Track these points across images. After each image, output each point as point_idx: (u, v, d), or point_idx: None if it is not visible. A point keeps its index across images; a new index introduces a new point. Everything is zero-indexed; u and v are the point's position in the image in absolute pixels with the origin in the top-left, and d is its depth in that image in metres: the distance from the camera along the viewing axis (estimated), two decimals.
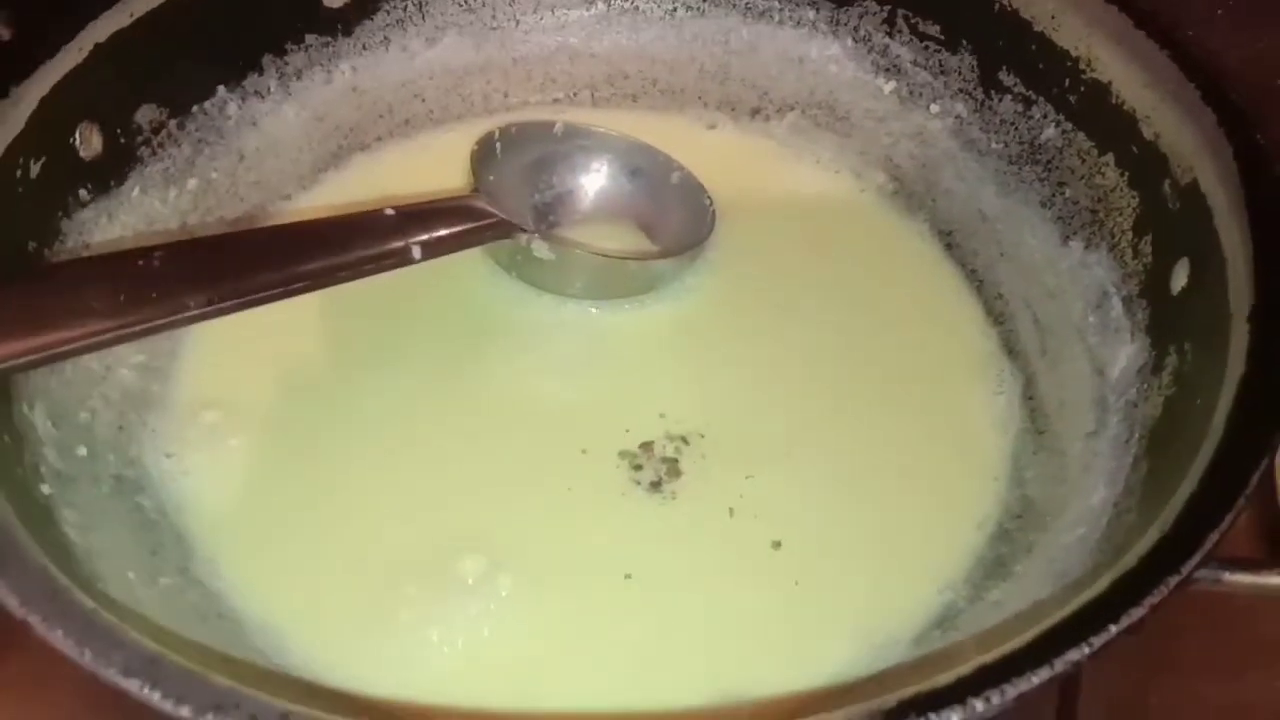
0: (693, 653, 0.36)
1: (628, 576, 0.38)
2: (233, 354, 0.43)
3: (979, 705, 0.23)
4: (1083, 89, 0.45)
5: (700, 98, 0.54)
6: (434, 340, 0.45)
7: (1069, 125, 0.46)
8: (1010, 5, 0.47)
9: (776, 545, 0.39)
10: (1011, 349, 0.46)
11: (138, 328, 0.35)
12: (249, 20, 0.48)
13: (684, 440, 0.42)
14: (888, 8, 0.51)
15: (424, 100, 0.53)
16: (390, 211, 0.42)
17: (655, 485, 0.40)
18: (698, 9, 0.54)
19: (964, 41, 0.49)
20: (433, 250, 0.42)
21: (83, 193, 0.43)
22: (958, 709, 0.23)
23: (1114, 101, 0.43)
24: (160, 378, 0.43)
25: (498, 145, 0.48)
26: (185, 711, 0.23)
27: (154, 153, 0.46)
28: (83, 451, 0.39)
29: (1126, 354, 0.41)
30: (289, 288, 0.38)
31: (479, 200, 0.45)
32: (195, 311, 0.35)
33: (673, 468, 0.41)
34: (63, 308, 0.33)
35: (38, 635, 0.25)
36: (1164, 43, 0.42)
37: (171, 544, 0.38)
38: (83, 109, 0.42)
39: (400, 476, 0.40)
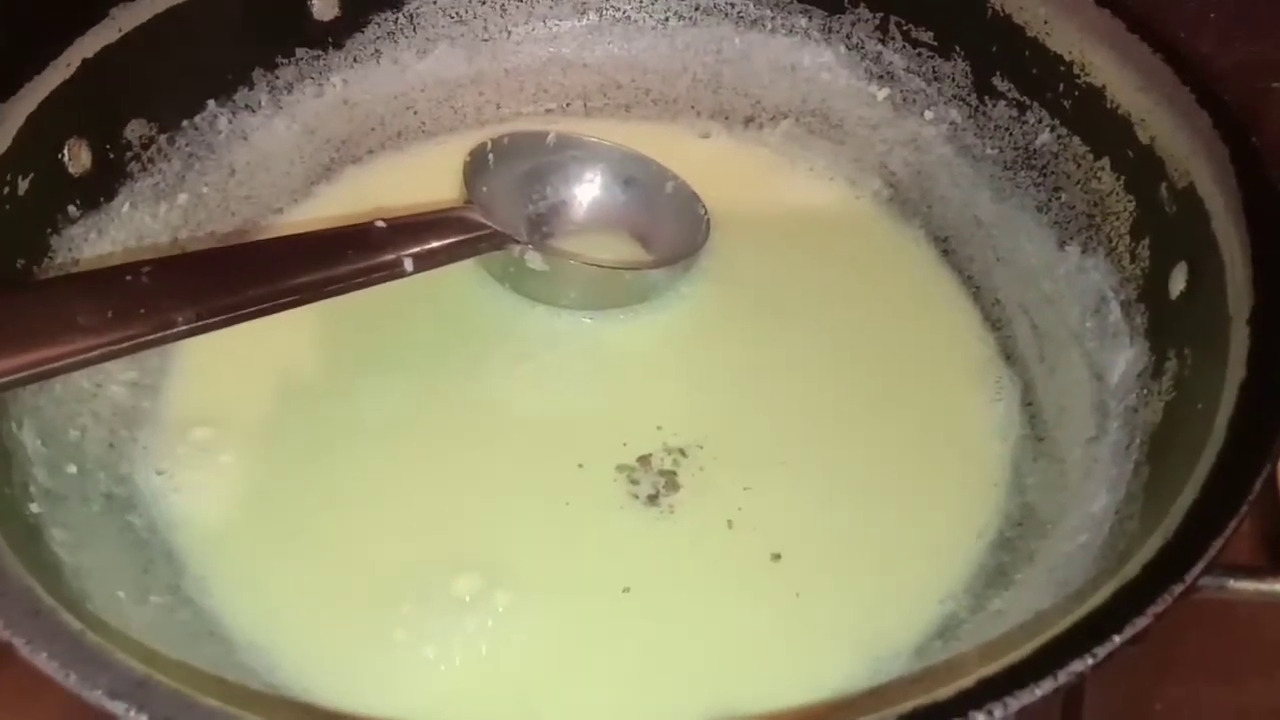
0: (692, 667, 0.36)
1: (626, 590, 0.37)
2: (224, 370, 0.43)
3: (980, 718, 0.23)
4: (1077, 94, 0.45)
5: (693, 107, 0.54)
6: (427, 354, 0.44)
7: (1064, 130, 0.46)
8: (1003, 10, 0.47)
9: (776, 557, 0.38)
10: (1009, 355, 0.45)
11: (126, 344, 0.34)
12: (238, 34, 0.48)
13: (681, 453, 0.41)
14: (880, 15, 0.51)
15: (416, 112, 0.53)
16: (381, 224, 0.41)
17: (653, 499, 0.40)
18: (689, 18, 0.54)
19: (957, 48, 0.49)
20: (425, 262, 0.42)
21: (72, 209, 0.42)
22: None
23: (1109, 106, 0.43)
24: (151, 394, 0.42)
25: (490, 156, 0.47)
26: None
27: (144, 168, 0.46)
28: (72, 469, 0.38)
29: (1126, 359, 0.41)
30: (279, 302, 0.37)
31: (472, 211, 0.45)
32: (185, 327, 0.35)
33: (670, 481, 0.40)
34: (50, 324, 0.33)
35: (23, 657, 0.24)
36: (1158, 46, 0.42)
37: (162, 562, 0.37)
38: (71, 125, 0.42)
39: (394, 492, 0.40)
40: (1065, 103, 0.45)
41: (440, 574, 0.37)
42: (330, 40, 0.51)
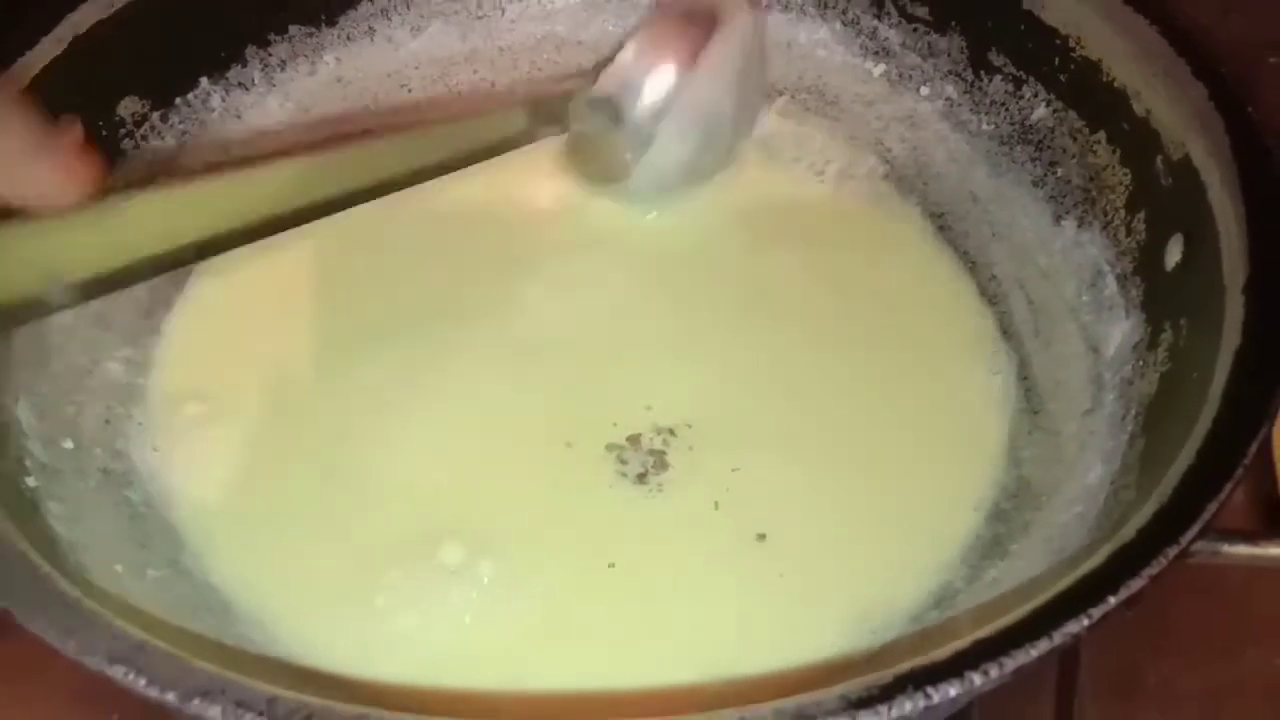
0: (678, 638, 0.36)
1: (611, 566, 0.37)
2: (216, 344, 0.43)
3: (976, 679, 0.23)
4: (1073, 67, 0.45)
5: None
6: (417, 329, 0.44)
7: (1060, 104, 0.46)
8: None
9: (761, 537, 0.38)
10: (1006, 330, 0.45)
11: None
12: (231, 11, 0.48)
13: (671, 432, 0.41)
14: None
15: (410, 90, 0.53)
16: None
17: (641, 477, 0.40)
18: None
19: (952, 22, 0.49)
20: None
21: None
22: (955, 682, 0.23)
23: (1104, 79, 0.43)
24: (145, 371, 0.42)
25: None
26: (171, 697, 0.23)
27: (137, 145, 0.45)
28: (69, 445, 0.38)
29: (1121, 331, 0.41)
30: None
31: None
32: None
33: (659, 460, 0.40)
34: None
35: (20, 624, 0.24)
36: (1154, 18, 0.41)
37: (160, 536, 0.38)
38: (63, 101, 0.41)
39: (384, 464, 0.40)
40: (1061, 76, 0.45)
41: (427, 544, 0.37)
42: (324, 17, 0.50)
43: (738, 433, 0.41)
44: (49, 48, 0.41)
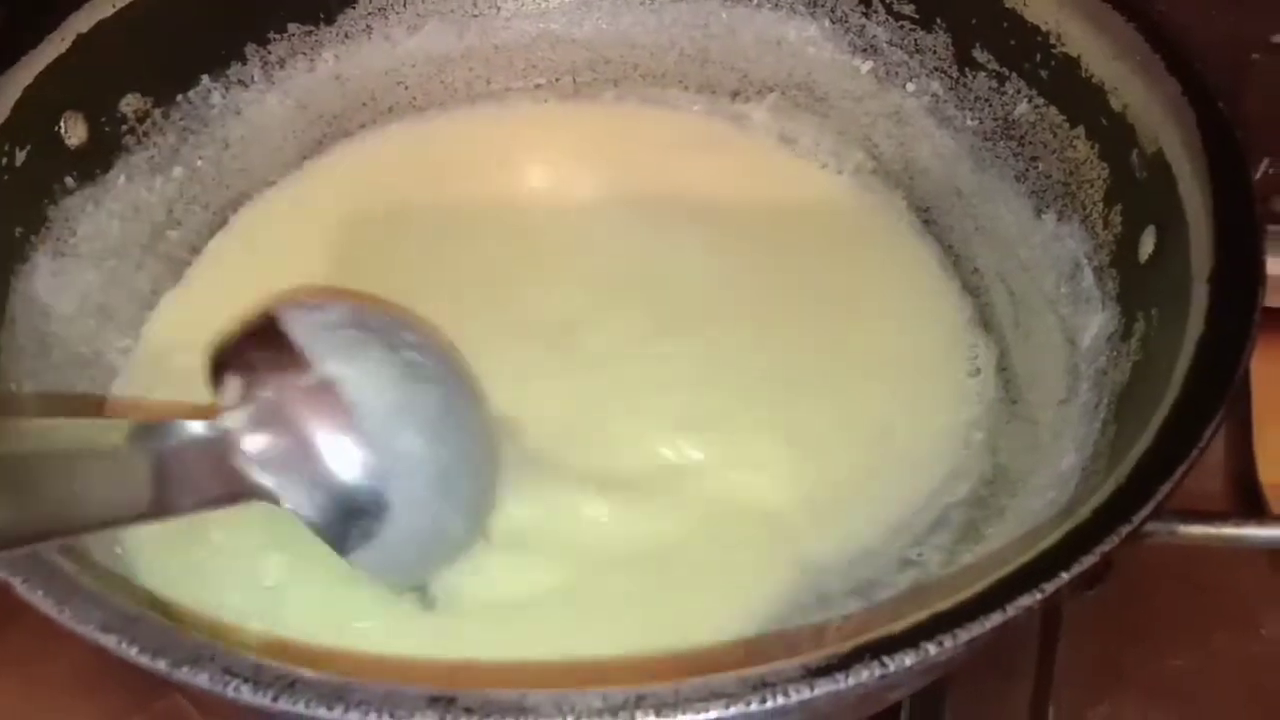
0: (643, 610, 0.36)
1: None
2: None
3: (931, 649, 0.24)
4: (1053, 64, 0.45)
5: (681, 81, 0.55)
6: None
7: (1041, 100, 0.46)
8: None
9: (741, 516, 0.39)
10: (986, 322, 0.46)
11: None
12: (232, 9, 0.49)
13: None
14: None
15: (407, 87, 0.54)
16: None
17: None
18: None
19: (938, 20, 0.50)
20: None
21: (69, 180, 0.43)
22: (910, 653, 0.24)
23: (1083, 75, 0.44)
24: None
25: None
26: (161, 665, 0.24)
27: (139, 141, 0.47)
28: None
29: (1097, 323, 0.41)
30: None
31: None
32: None
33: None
34: None
35: (21, 598, 0.25)
36: (1131, 15, 0.42)
37: None
38: (67, 98, 0.43)
39: None
40: (1042, 73, 0.46)
41: None
42: (322, 16, 0.52)
43: (719, 420, 0.42)
44: (53, 45, 0.42)
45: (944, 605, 0.25)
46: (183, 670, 0.24)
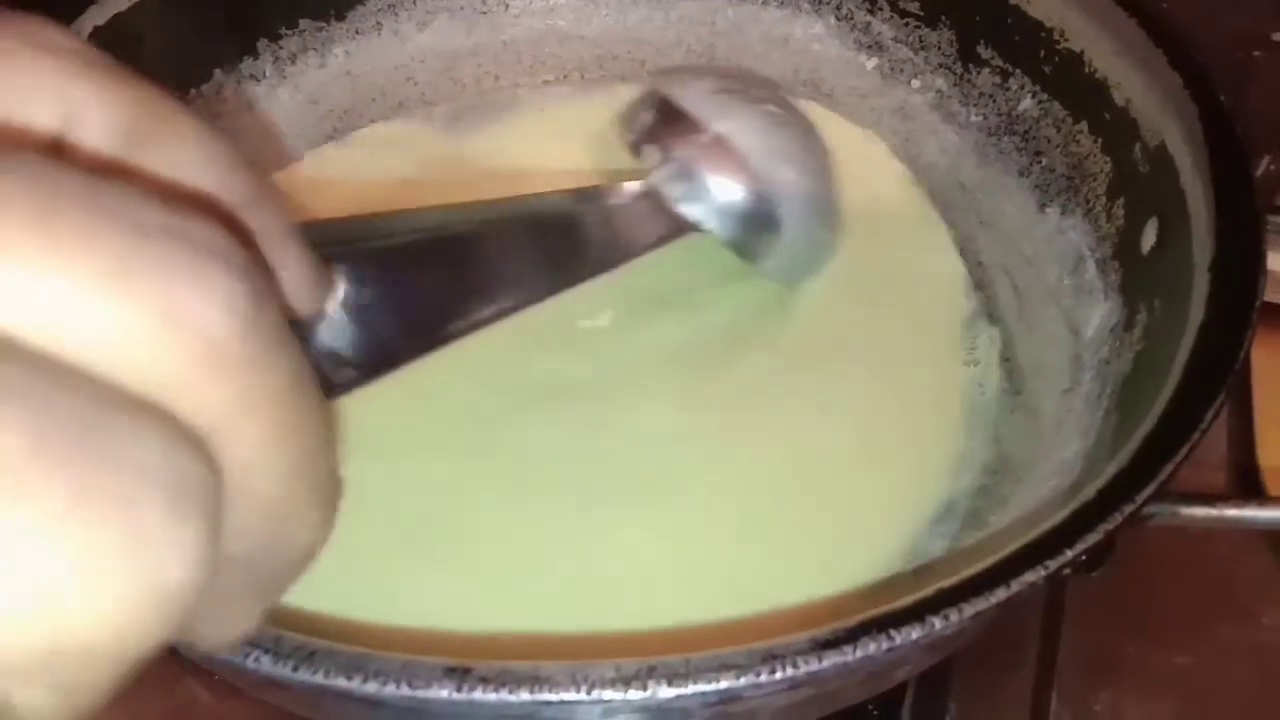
0: (662, 587, 0.36)
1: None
2: None
3: (937, 622, 0.24)
4: (1057, 59, 0.46)
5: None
6: None
7: (1045, 95, 0.47)
8: None
9: (748, 505, 0.39)
10: (990, 314, 0.47)
11: None
12: (244, 5, 0.50)
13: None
14: None
15: (416, 83, 0.54)
16: None
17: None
18: None
19: (943, 17, 0.50)
20: None
21: None
22: (917, 626, 0.24)
23: (1086, 70, 0.44)
24: None
25: None
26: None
27: None
28: None
29: (1100, 314, 0.42)
30: None
31: None
32: None
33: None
34: None
35: None
36: (1133, 11, 0.43)
37: None
38: None
39: None
40: (1046, 69, 0.47)
41: None
42: (333, 12, 0.52)
43: (723, 407, 0.42)
44: None
45: (950, 580, 0.25)
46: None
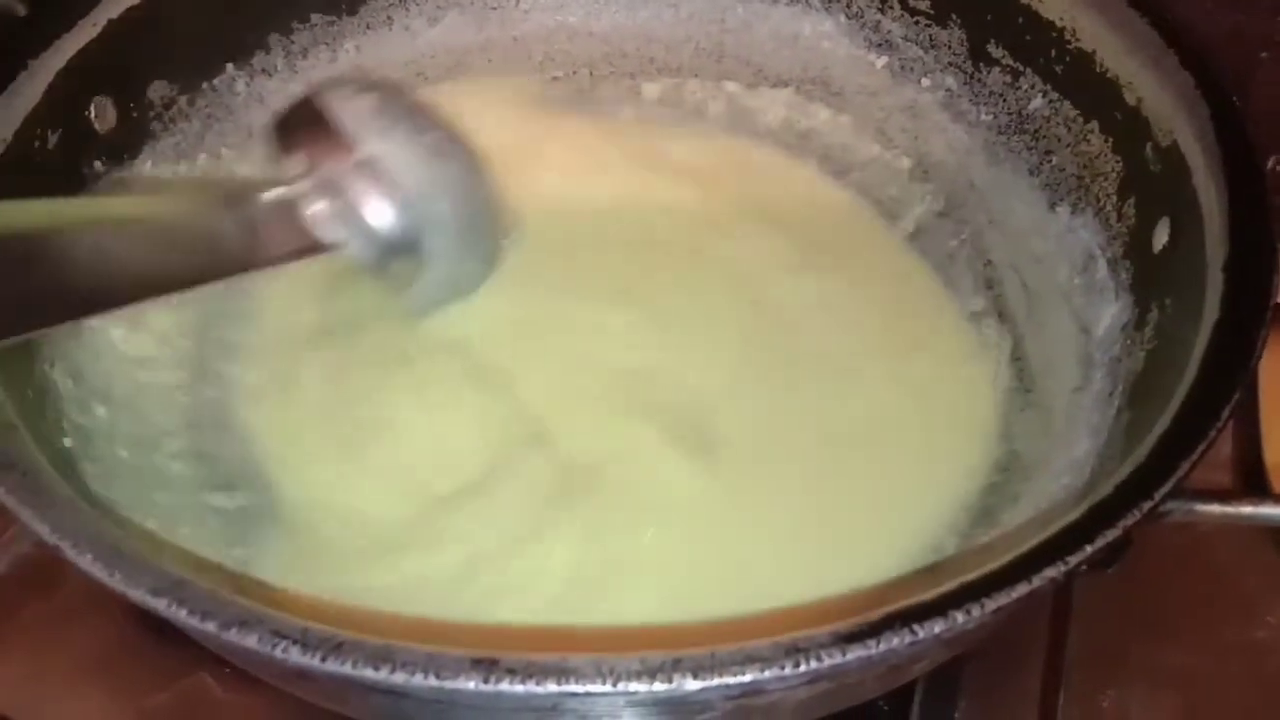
0: (682, 582, 0.37)
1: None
2: None
3: (960, 617, 0.24)
4: (1068, 59, 0.46)
5: (696, 75, 0.55)
6: None
7: (1055, 95, 0.47)
8: None
9: (761, 505, 0.40)
10: (1001, 313, 0.47)
11: None
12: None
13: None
14: None
15: (426, 78, 0.54)
16: None
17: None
18: None
19: (953, 15, 0.50)
20: None
21: (97, 164, 0.44)
22: (940, 620, 0.24)
23: (1098, 70, 0.44)
24: None
25: None
26: (211, 626, 0.24)
27: (166, 128, 0.47)
28: (101, 412, 0.40)
29: (1111, 313, 0.42)
30: None
31: None
32: None
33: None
34: None
35: (69, 560, 0.26)
36: (1144, 10, 0.43)
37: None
38: (97, 83, 0.43)
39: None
40: (1057, 68, 0.47)
41: None
42: (344, 6, 0.52)
43: (737, 409, 0.42)
44: (84, 31, 0.42)
45: (972, 575, 0.25)
46: (232, 632, 0.24)
